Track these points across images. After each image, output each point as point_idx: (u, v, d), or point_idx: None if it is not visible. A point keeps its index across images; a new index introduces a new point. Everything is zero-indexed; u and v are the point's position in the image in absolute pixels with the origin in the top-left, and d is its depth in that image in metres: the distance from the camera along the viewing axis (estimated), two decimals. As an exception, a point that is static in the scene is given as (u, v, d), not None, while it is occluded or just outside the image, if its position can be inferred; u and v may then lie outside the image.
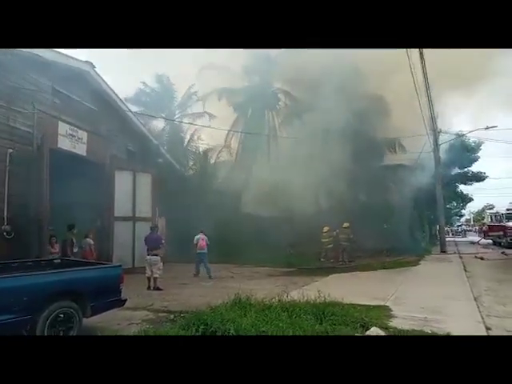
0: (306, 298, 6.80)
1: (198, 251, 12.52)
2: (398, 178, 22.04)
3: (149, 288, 9.93)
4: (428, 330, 5.59)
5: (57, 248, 10.11)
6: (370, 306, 7.31)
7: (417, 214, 20.72)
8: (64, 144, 11.61)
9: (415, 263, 15.55)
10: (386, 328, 5.78)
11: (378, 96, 20.09)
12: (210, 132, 22.93)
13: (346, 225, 17.27)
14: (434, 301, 7.87)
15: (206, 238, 12.85)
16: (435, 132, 21.80)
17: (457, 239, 39.87)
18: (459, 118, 75.91)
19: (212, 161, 23.45)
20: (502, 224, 25.92)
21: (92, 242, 11.35)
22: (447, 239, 25.11)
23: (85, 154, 12.50)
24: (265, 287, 9.65)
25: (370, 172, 20.27)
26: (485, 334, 5.50)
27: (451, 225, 56.99)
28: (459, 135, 26.54)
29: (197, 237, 12.77)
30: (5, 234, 9.43)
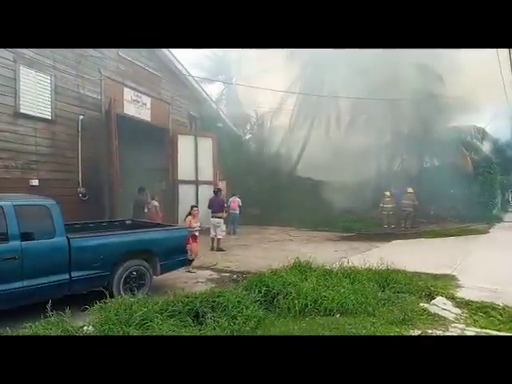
0: (367, 265, 6.72)
1: (230, 211, 13.76)
2: (469, 140, 20.55)
3: (212, 249, 10.36)
4: (499, 303, 5.30)
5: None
6: (435, 274, 7.09)
7: (488, 179, 19.25)
8: (129, 110, 12.09)
9: (485, 231, 14.68)
10: (452, 298, 5.61)
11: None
12: (267, 94, 22.57)
13: (409, 190, 16.55)
14: (506, 271, 7.40)
15: (238, 200, 14.39)
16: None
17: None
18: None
19: (269, 124, 23.26)
20: None
21: (157, 204, 11.94)
22: (521, 206, 23.31)
23: (149, 119, 12.95)
24: (324, 251, 9.67)
25: (437, 133, 19.04)
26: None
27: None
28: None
29: (230, 199, 14.06)
30: (80, 195, 10.16)
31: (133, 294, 5.21)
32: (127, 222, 7.73)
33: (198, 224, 8.82)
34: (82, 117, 10.41)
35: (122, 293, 5.41)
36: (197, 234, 8.60)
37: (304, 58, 21.98)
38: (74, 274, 5.02)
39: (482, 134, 20.84)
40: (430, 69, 18.07)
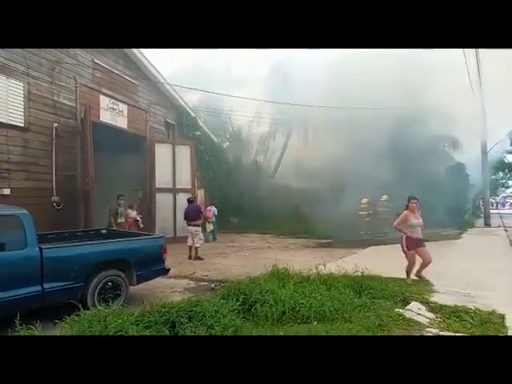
0: (343, 271, 6.80)
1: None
2: (440, 148, 21.17)
3: (190, 257, 10.25)
4: (471, 306, 5.42)
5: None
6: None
7: (459, 185, 19.85)
8: (105, 117, 11.93)
9: (457, 236, 15.08)
10: (426, 303, 5.69)
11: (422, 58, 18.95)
12: (247, 103, 22.70)
13: (384, 197, 16.95)
14: (478, 276, 7.61)
15: (213, 209, 14.62)
16: (481, 97, 20.39)
17: (502, 211, 38.21)
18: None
19: (247, 132, 23.38)
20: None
21: (135, 213, 11.75)
22: (492, 211, 24.05)
23: (125, 126, 12.81)
24: (301, 259, 9.72)
25: (410, 142, 19.53)
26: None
27: (496, 196, 54.55)
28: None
29: (206, 208, 14.16)
30: (54, 204, 9.93)
31: (108, 305, 5.11)
32: (102, 231, 7.58)
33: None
34: (56, 124, 10.23)
35: (96, 304, 5.28)
36: (418, 235, 6.77)
37: (283, 69, 22.29)
38: (47, 285, 4.87)
39: (455, 143, 21.50)
40: (407, 81, 18.62)
